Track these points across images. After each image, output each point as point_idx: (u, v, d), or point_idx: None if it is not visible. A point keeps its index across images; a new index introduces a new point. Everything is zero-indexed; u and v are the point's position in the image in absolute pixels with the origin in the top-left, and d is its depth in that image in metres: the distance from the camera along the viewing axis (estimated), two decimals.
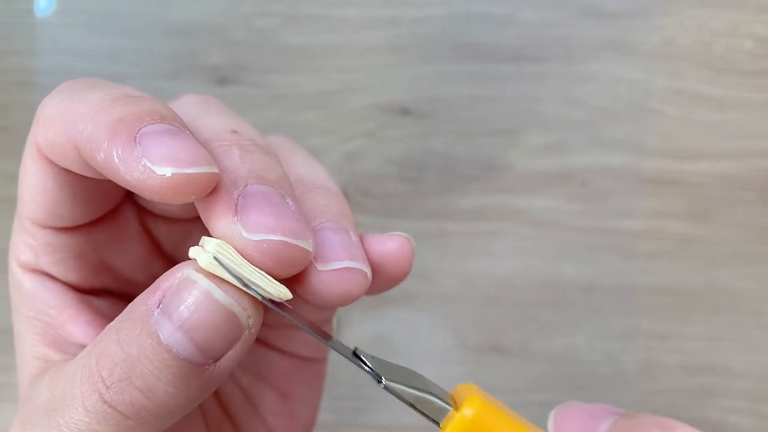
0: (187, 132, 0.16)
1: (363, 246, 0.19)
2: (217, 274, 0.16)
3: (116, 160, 0.15)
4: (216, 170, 0.16)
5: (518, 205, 0.44)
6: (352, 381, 0.43)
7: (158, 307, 0.16)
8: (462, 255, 0.44)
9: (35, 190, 0.19)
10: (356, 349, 0.19)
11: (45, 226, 0.20)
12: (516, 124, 0.44)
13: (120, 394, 0.16)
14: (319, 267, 0.17)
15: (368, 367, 0.18)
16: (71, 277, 0.21)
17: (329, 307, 0.18)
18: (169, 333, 0.16)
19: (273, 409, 0.24)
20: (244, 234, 0.16)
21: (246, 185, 0.16)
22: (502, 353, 0.44)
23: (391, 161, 0.44)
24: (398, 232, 0.20)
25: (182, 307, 0.16)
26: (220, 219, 0.16)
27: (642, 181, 0.43)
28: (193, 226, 0.22)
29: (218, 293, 0.16)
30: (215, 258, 0.16)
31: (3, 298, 0.44)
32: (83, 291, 0.21)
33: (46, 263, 0.20)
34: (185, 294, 0.16)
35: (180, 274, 0.16)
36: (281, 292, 0.17)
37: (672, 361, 0.44)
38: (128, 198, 0.21)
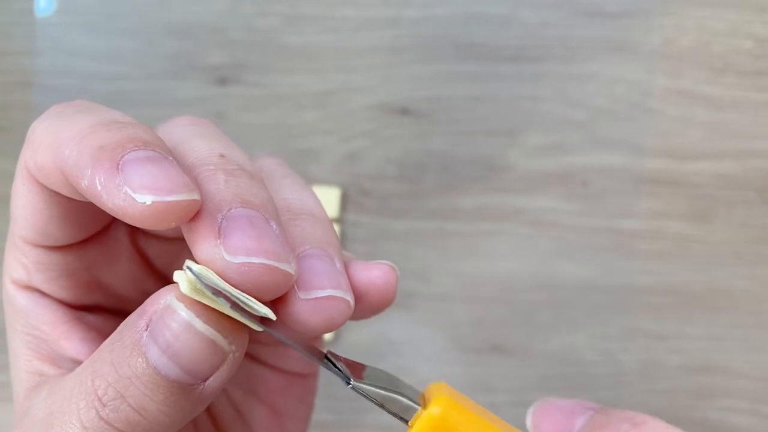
0: (170, 158, 0.16)
1: (347, 273, 0.19)
2: (198, 299, 0.16)
3: (99, 188, 0.16)
4: (197, 197, 0.16)
5: (518, 205, 0.44)
6: None
7: (146, 330, 0.17)
8: (462, 255, 0.44)
9: (26, 210, 0.19)
10: (328, 352, 0.19)
11: (36, 245, 0.20)
12: (516, 124, 0.44)
13: (116, 411, 0.17)
14: (302, 295, 0.17)
15: (337, 368, 0.18)
16: (63, 294, 0.21)
17: (312, 334, 0.19)
18: (157, 356, 0.16)
19: (264, 424, 0.24)
20: (226, 257, 0.16)
21: (230, 209, 0.16)
22: (501, 353, 0.44)
23: (391, 161, 0.44)
24: (383, 261, 0.20)
25: (166, 334, 0.16)
26: (202, 242, 0.16)
27: (641, 181, 0.43)
28: (185, 245, 0.22)
29: (198, 323, 0.16)
30: (199, 279, 0.16)
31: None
32: (76, 308, 0.21)
33: (38, 280, 0.20)
34: (168, 321, 0.16)
35: (164, 301, 0.17)
36: (264, 314, 0.17)
37: (672, 361, 0.44)
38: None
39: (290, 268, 0.17)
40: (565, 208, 0.44)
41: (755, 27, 0.44)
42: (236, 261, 0.16)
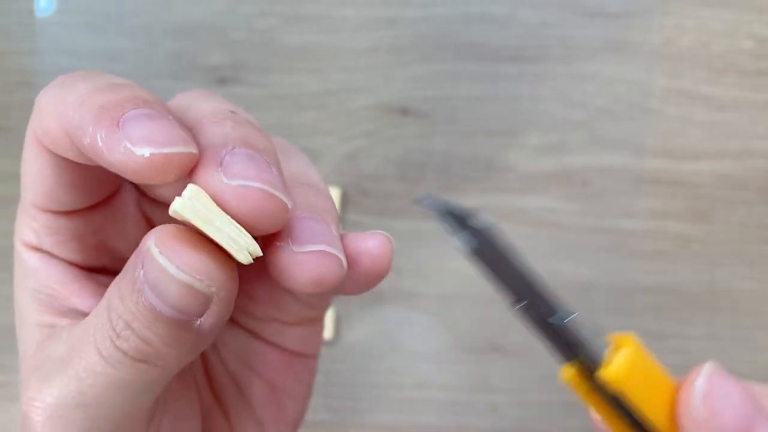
0: (169, 116, 0.17)
1: (342, 243, 0.19)
2: (187, 220, 0.17)
3: (100, 143, 0.16)
4: (194, 150, 0.17)
5: (518, 205, 0.44)
6: (351, 381, 0.43)
7: (142, 268, 0.17)
8: (462, 255, 0.44)
9: (34, 176, 0.20)
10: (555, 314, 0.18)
11: (45, 210, 0.20)
12: (516, 124, 0.44)
13: (127, 341, 0.18)
14: (294, 248, 0.18)
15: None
16: (72, 256, 0.21)
17: (302, 292, 0.19)
18: (150, 295, 0.17)
19: (262, 400, 0.24)
20: (224, 180, 0.17)
21: (234, 147, 0.17)
22: (502, 353, 0.44)
23: (391, 161, 0.44)
24: (378, 231, 0.20)
25: (150, 276, 0.17)
26: (202, 170, 0.17)
27: (641, 181, 0.43)
28: None
29: (172, 269, 0.17)
30: (189, 200, 0.16)
31: (3, 298, 0.44)
32: (85, 269, 0.22)
33: (48, 243, 0.21)
34: (150, 264, 0.17)
35: (147, 244, 0.17)
36: (249, 245, 0.17)
37: (672, 361, 0.44)
38: (127, 184, 0.22)
39: (287, 200, 0.17)
40: (565, 208, 0.44)
41: (755, 27, 0.44)
42: (234, 183, 0.16)
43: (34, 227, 0.21)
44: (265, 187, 0.17)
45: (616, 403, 0.19)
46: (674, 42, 0.44)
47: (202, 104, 0.19)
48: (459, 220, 0.19)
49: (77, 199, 0.20)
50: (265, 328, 0.24)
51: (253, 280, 0.22)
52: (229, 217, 0.17)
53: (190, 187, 0.17)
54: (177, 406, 0.22)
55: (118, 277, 0.18)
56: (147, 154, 0.16)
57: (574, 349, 0.19)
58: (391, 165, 0.44)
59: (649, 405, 0.19)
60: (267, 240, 0.18)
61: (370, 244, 0.19)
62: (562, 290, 0.44)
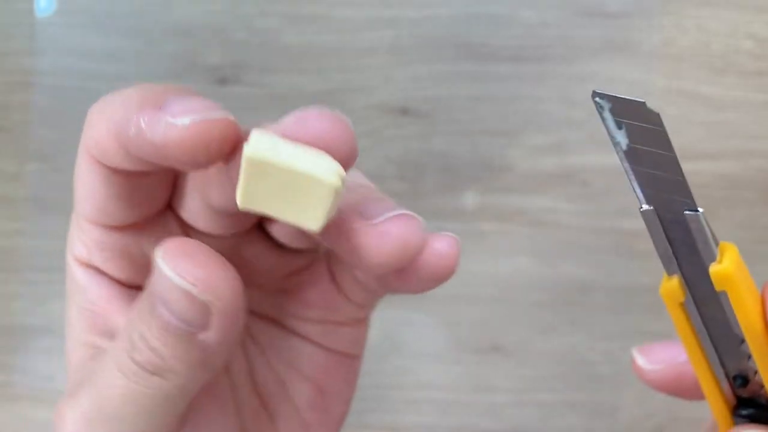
0: (209, 100, 0.18)
1: None
2: (266, 158, 0.17)
3: (143, 126, 0.17)
4: (232, 117, 0.17)
5: (518, 205, 0.44)
6: None
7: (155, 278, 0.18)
8: (462, 255, 0.44)
9: (86, 189, 0.21)
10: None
11: (96, 223, 0.21)
12: (516, 124, 0.44)
13: (141, 352, 0.18)
14: (372, 221, 0.18)
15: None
16: (119, 274, 0.22)
17: (388, 269, 0.19)
18: (158, 304, 0.18)
19: (308, 402, 0.24)
20: (285, 118, 0.17)
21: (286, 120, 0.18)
22: (502, 353, 0.44)
23: (391, 161, 0.44)
24: (448, 233, 0.20)
25: (158, 285, 0.18)
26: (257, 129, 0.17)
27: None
28: (234, 242, 0.22)
29: (172, 275, 0.17)
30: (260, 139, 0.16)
31: (3, 298, 0.44)
32: (130, 286, 0.23)
33: (98, 259, 0.22)
34: (158, 274, 0.18)
35: (156, 257, 0.18)
36: (333, 165, 0.17)
37: None
38: (172, 211, 0.22)
39: (351, 125, 0.18)
40: (565, 208, 0.44)
41: (755, 27, 0.44)
42: (295, 116, 0.17)
43: (84, 241, 0.21)
44: (325, 110, 0.17)
45: (703, 319, 0.21)
46: (674, 42, 0.44)
47: None
48: (623, 114, 0.19)
49: (127, 213, 0.21)
50: (314, 330, 0.24)
51: (306, 283, 0.23)
52: (303, 146, 0.17)
53: (254, 131, 0.17)
54: (208, 426, 0.22)
55: (140, 295, 0.19)
56: (187, 122, 0.16)
57: (691, 249, 0.20)
58: (391, 165, 0.44)
59: (748, 304, 0.20)
60: (341, 231, 0.18)
61: (440, 245, 0.20)
62: (563, 290, 0.44)
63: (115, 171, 0.19)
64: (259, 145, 0.16)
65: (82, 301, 0.22)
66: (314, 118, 0.17)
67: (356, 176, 0.22)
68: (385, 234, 0.18)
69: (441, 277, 0.20)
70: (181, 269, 0.17)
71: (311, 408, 0.24)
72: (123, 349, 0.19)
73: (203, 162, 0.17)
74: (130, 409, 0.19)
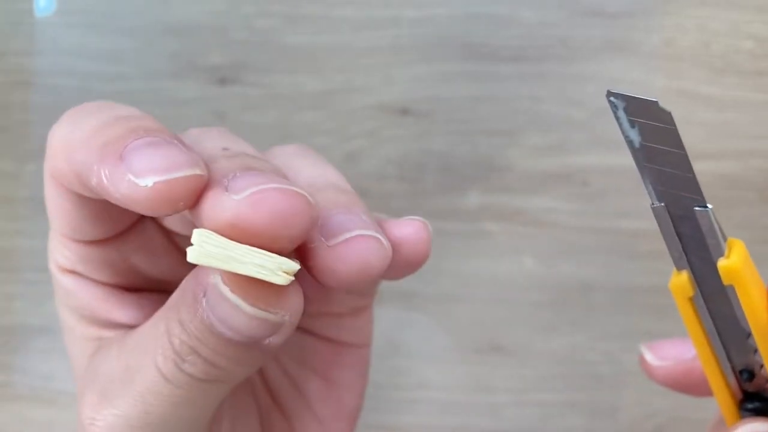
0: (174, 141, 0.16)
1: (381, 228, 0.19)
2: (210, 265, 0.16)
3: (105, 181, 0.16)
4: (200, 172, 0.16)
5: (518, 205, 0.44)
6: None
7: (204, 297, 0.17)
8: (462, 255, 0.44)
9: (57, 210, 0.20)
10: None
11: (72, 240, 0.21)
12: (516, 124, 0.44)
13: (194, 365, 0.18)
14: (330, 243, 0.17)
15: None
16: (107, 279, 0.22)
17: (349, 287, 0.18)
18: (218, 325, 0.17)
19: (320, 396, 0.24)
20: (235, 197, 0.16)
21: (235, 175, 0.16)
22: (502, 353, 0.44)
23: (391, 161, 0.44)
24: (416, 217, 0.20)
25: (219, 311, 0.17)
26: (209, 197, 0.16)
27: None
28: None
29: (245, 306, 0.16)
30: (204, 243, 0.16)
31: (3, 298, 0.44)
32: (121, 288, 0.22)
33: (81, 269, 0.21)
34: (217, 300, 0.17)
35: (211, 279, 0.17)
36: (282, 263, 0.16)
37: None
38: (151, 218, 0.22)
39: (305, 192, 0.16)
40: (565, 208, 0.44)
41: (755, 27, 0.44)
42: (246, 193, 0.16)
43: (65, 254, 0.21)
44: (279, 186, 0.16)
45: (711, 314, 0.21)
46: (674, 42, 0.44)
47: (197, 147, 0.19)
48: (636, 113, 0.19)
49: (102, 230, 0.20)
50: (316, 324, 0.24)
51: (301, 278, 0.22)
52: (247, 246, 0.16)
53: (196, 232, 0.16)
54: (236, 407, 0.22)
55: (173, 302, 0.18)
56: (150, 184, 0.15)
57: (700, 245, 0.20)
58: (391, 165, 0.44)
59: (755, 298, 0.20)
60: (300, 249, 0.18)
61: (407, 231, 0.19)
62: (563, 290, 0.44)
63: (82, 195, 0.19)
64: (201, 250, 0.16)
65: (74, 303, 0.21)
66: (269, 197, 0.16)
67: (331, 175, 0.21)
68: (342, 257, 0.17)
69: (415, 264, 0.20)
70: (254, 299, 0.16)
71: (323, 402, 0.24)
72: (169, 360, 0.18)
73: (169, 213, 0.16)
74: (176, 411, 0.18)
